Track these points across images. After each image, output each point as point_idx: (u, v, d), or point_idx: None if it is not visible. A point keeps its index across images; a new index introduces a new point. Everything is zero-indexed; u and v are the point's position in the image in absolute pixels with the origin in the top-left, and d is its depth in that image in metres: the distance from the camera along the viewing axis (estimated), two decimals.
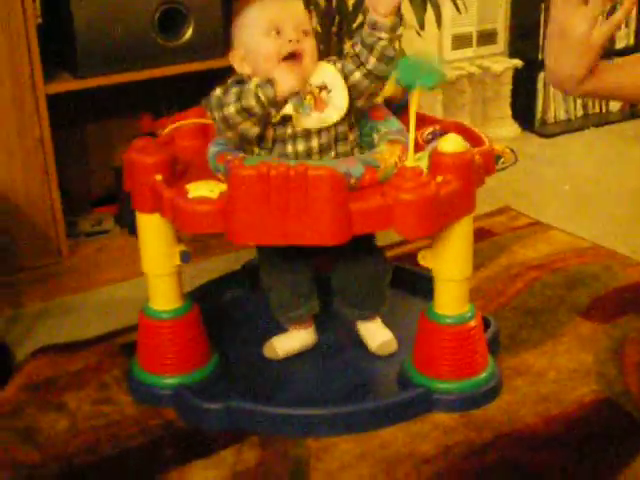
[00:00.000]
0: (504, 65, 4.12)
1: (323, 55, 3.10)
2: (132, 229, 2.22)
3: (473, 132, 2.21)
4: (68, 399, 2.17)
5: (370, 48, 1.95)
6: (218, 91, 1.96)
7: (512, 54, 4.27)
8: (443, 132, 2.20)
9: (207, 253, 2.80)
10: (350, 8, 3.12)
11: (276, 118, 1.96)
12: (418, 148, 2.16)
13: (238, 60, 2.04)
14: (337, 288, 2.25)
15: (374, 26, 1.93)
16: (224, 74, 2.91)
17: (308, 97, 1.97)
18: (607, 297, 2.60)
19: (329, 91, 1.98)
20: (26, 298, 2.66)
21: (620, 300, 2.58)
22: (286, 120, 1.97)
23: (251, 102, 1.89)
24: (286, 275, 2.18)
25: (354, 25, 3.13)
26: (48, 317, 2.60)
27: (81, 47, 2.62)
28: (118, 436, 2.03)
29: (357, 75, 1.99)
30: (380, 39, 1.93)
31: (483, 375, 2.11)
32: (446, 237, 2.00)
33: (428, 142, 2.20)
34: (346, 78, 2.00)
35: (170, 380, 2.12)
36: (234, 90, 1.93)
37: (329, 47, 3.14)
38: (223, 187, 1.88)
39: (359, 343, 2.29)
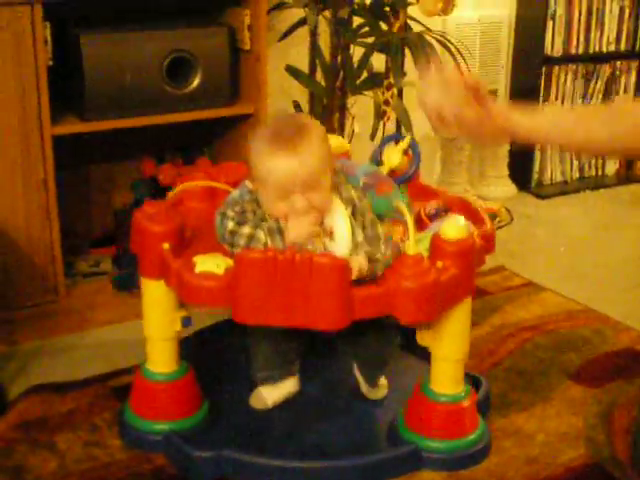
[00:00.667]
0: None
1: (327, 110, 3.18)
2: (123, 286, 2.22)
3: (475, 210, 2.24)
4: (58, 440, 2.17)
5: None
6: (230, 223, 1.95)
7: None
8: (446, 208, 2.25)
9: None
10: (355, 64, 3.18)
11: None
12: (421, 223, 2.20)
13: (255, 186, 1.99)
14: (341, 353, 2.30)
15: None
16: (229, 122, 2.99)
17: (317, 241, 1.95)
18: (598, 361, 2.61)
19: (332, 240, 1.96)
20: (21, 336, 2.66)
21: (611, 365, 2.59)
22: None
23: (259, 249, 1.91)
24: (276, 342, 2.19)
25: (358, 81, 3.19)
26: (43, 356, 2.59)
27: (89, 90, 2.66)
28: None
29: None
30: None
31: (472, 436, 2.12)
32: (444, 318, 2.03)
33: (430, 218, 2.23)
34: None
35: (161, 426, 2.13)
36: (246, 232, 1.93)
37: (333, 102, 3.19)
38: (230, 262, 1.89)
39: (350, 393, 2.30)
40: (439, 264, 1.93)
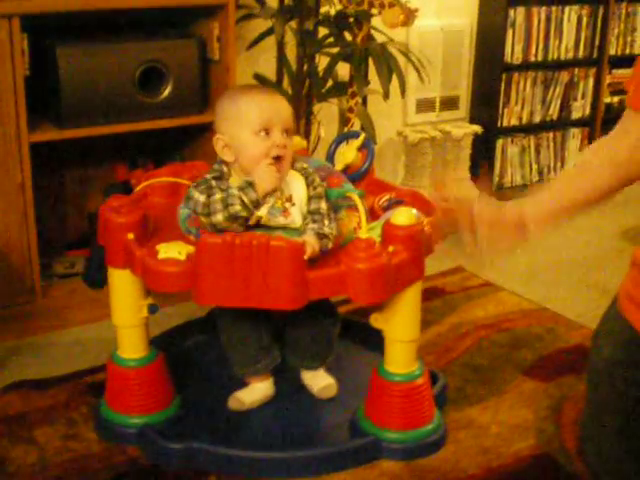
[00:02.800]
0: (464, 130, 4.28)
1: (294, 116, 3.26)
2: (92, 282, 2.29)
3: (425, 201, 2.35)
4: (38, 433, 2.27)
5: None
6: (201, 197, 2.04)
7: (473, 120, 4.46)
8: (398, 200, 2.34)
9: (174, 300, 2.86)
10: (320, 73, 3.28)
11: (253, 221, 2.08)
12: (374, 214, 2.31)
13: (221, 146, 2.12)
14: (289, 339, 2.38)
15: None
16: (199, 130, 3.07)
17: (279, 202, 2.09)
18: (550, 357, 2.74)
19: (293, 204, 2.10)
20: None
21: (562, 361, 2.72)
22: (258, 221, 2.09)
23: (237, 207, 2.01)
24: (247, 330, 2.28)
25: (323, 89, 3.28)
26: (20, 354, 2.69)
27: (65, 99, 2.75)
28: (84, 471, 2.13)
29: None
30: None
31: (429, 427, 2.24)
32: (396, 301, 2.14)
33: (384, 209, 2.33)
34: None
35: (135, 420, 2.23)
36: (218, 197, 2.03)
37: (299, 108, 3.28)
38: (191, 249, 2.00)
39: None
40: (390, 248, 2.04)
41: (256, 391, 2.35)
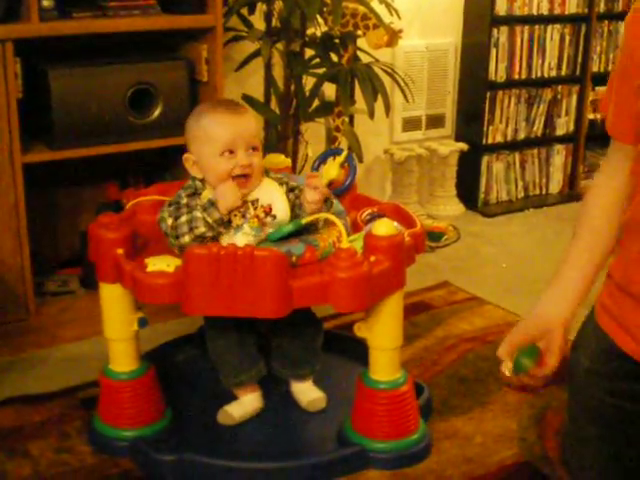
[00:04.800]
0: (450, 148, 4.35)
1: (281, 136, 3.33)
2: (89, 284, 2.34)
3: (407, 214, 2.42)
4: (32, 447, 2.32)
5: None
6: (169, 219, 2.12)
7: (458, 138, 4.52)
8: (381, 214, 2.40)
9: (165, 316, 2.92)
10: (307, 93, 3.34)
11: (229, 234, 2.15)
12: (357, 228, 2.37)
13: (190, 164, 2.20)
14: (277, 351, 2.43)
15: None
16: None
17: (252, 220, 2.14)
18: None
19: (274, 217, 2.16)
20: None
21: None
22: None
23: (202, 229, 2.09)
24: (233, 340, 2.33)
25: (310, 109, 3.34)
26: (14, 370, 2.74)
27: (57, 121, 2.80)
28: None
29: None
30: None
31: (414, 437, 2.29)
32: (379, 310, 2.20)
33: (366, 223, 2.38)
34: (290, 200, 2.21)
35: (128, 433, 2.28)
36: (184, 219, 2.10)
37: (287, 128, 3.34)
38: (178, 262, 2.06)
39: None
40: (372, 258, 2.10)
41: (245, 404, 2.40)
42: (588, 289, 1.68)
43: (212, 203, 2.11)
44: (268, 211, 2.16)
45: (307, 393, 2.45)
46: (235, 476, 2.20)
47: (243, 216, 2.14)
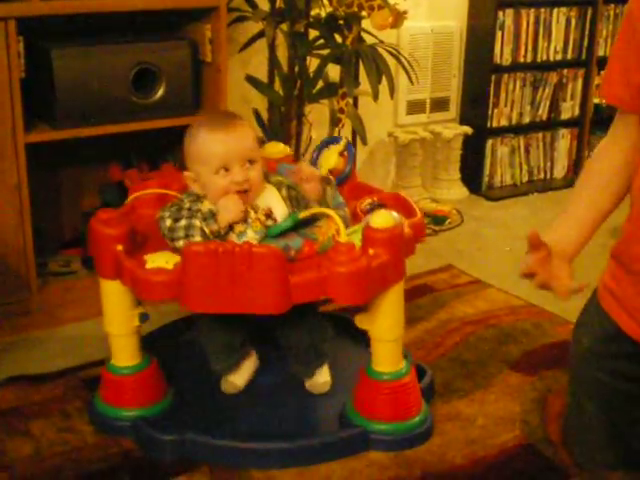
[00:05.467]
0: (454, 131, 4.34)
1: (285, 118, 3.32)
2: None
3: (408, 203, 2.40)
4: (33, 426, 2.32)
5: None
6: (168, 220, 2.12)
7: (463, 121, 4.51)
8: (380, 203, 2.39)
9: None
10: (311, 74, 3.33)
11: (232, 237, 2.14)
12: (357, 218, 2.36)
13: (190, 181, 2.20)
14: (289, 350, 2.42)
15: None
16: None
17: (255, 224, 2.13)
18: (536, 352, 2.79)
19: (274, 220, 2.15)
20: None
21: (547, 355, 2.77)
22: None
23: (197, 238, 2.08)
24: (217, 327, 2.34)
25: (314, 90, 3.33)
26: (16, 350, 2.74)
27: (60, 101, 2.79)
28: (79, 462, 2.17)
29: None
30: None
31: (416, 419, 2.29)
32: (379, 302, 2.19)
33: (365, 213, 2.37)
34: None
35: (129, 412, 2.28)
36: (182, 224, 2.10)
37: (290, 110, 3.33)
38: (178, 258, 2.05)
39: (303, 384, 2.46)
40: (370, 251, 2.08)
41: (244, 372, 2.42)
42: (592, 227, 1.77)
43: (213, 214, 2.11)
44: (269, 214, 2.15)
45: (316, 376, 2.45)
46: (237, 456, 2.19)
47: (245, 221, 2.13)
